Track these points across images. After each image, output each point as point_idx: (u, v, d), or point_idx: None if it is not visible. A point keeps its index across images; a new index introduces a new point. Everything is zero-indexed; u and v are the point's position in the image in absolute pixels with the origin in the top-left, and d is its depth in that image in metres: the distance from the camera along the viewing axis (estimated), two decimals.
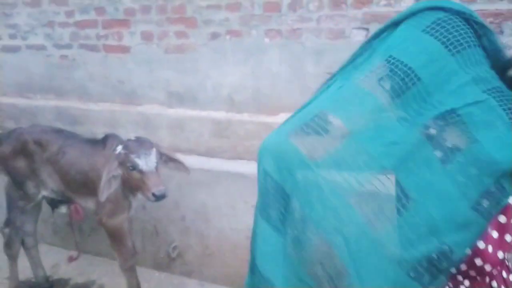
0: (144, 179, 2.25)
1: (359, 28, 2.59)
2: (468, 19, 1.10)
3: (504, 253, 1.11)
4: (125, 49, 3.33)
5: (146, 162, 2.24)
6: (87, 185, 2.55)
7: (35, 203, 2.78)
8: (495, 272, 1.14)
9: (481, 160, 1.00)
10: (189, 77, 3.17)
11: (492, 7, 2.32)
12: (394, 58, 1.08)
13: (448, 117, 1.03)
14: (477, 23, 1.11)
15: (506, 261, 1.21)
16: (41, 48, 3.69)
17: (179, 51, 3.14)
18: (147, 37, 3.23)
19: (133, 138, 2.39)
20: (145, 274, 3.19)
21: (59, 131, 2.79)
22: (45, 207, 3.02)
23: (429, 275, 1.00)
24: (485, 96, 1.04)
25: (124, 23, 3.28)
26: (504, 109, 1.03)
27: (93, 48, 3.45)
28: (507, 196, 1.02)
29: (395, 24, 1.20)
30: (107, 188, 2.24)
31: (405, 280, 1.00)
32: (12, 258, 2.86)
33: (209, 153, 3.15)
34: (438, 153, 1.04)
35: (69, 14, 3.48)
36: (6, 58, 3.91)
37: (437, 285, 1.02)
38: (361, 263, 1.02)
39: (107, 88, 3.49)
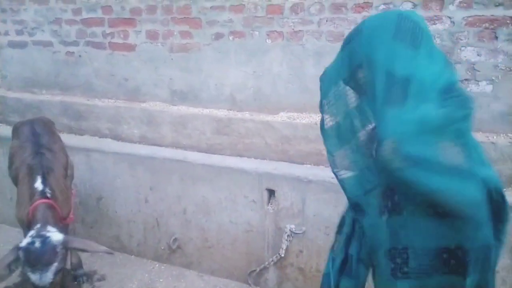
0: None
1: None
2: None
3: None
4: (130, 47, 3.43)
5: (41, 277, 2.03)
6: None
7: None
8: None
9: None
10: (192, 76, 3.27)
11: (487, 13, 2.43)
12: None
13: None
14: None
15: None
16: (48, 44, 3.78)
17: (183, 50, 3.24)
18: (152, 36, 3.33)
19: (38, 243, 2.05)
20: (146, 265, 3.30)
21: (34, 131, 2.74)
22: None
23: None
24: None
25: (130, 22, 3.37)
26: None
27: (99, 46, 3.55)
28: None
29: None
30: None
31: None
32: None
33: (210, 150, 3.24)
34: None
35: (76, 12, 3.57)
36: (12, 53, 3.99)
37: None
38: None
39: (112, 84, 3.58)
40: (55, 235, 2.13)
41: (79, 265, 3.17)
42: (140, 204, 3.30)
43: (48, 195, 2.35)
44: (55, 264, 2.05)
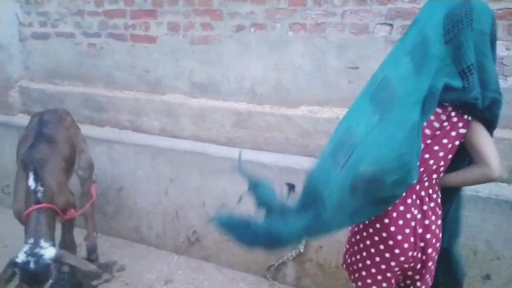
0: None
1: (383, 23, 2.63)
2: None
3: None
4: (151, 39, 3.43)
5: None
6: None
7: None
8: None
9: None
10: (212, 68, 3.26)
11: None
12: None
13: None
14: None
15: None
16: (70, 36, 3.81)
17: (204, 42, 3.23)
18: (173, 28, 3.32)
19: (32, 264, 2.12)
20: (165, 257, 3.33)
21: (41, 121, 2.75)
22: None
23: None
24: None
25: (151, 13, 3.37)
26: None
27: (120, 38, 3.56)
28: None
29: None
30: None
31: None
32: None
33: (229, 143, 3.23)
34: None
35: (99, 3, 3.59)
36: (36, 45, 4.05)
37: None
38: None
39: (133, 76, 3.60)
40: (48, 252, 2.18)
41: (93, 250, 3.22)
42: (160, 196, 3.32)
43: (40, 194, 2.33)
44: (50, 281, 2.15)
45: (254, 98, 3.17)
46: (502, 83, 2.43)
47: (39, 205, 2.30)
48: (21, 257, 2.12)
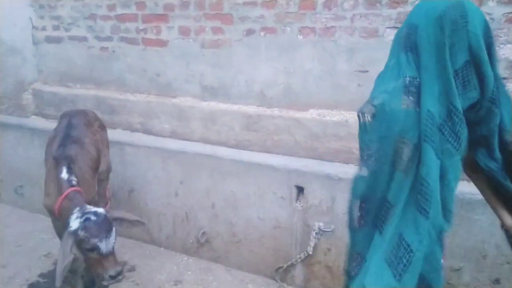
0: (102, 261, 2.22)
1: (392, 27, 2.64)
2: None
3: None
4: (163, 43, 3.47)
5: (107, 244, 2.20)
6: None
7: None
8: None
9: None
10: (223, 72, 3.29)
11: None
12: None
13: None
14: None
15: None
16: (83, 39, 3.87)
17: (214, 46, 3.26)
18: (184, 32, 3.36)
19: (93, 217, 2.22)
20: (174, 258, 3.36)
21: (69, 123, 2.83)
22: None
23: None
24: None
25: (163, 17, 3.42)
26: None
27: (132, 41, 3.61)
28: None
29: None
30: (62, 274, 2.09)
31: None
32: None
33: (239, 146, 3.25)
34: None
35: (111, 7, 3.64)
36: (49, 48, 4.12)
37: None
38: None
39: (144, 80, 3.64)
40: (99, 209, 2.31)
41: None
42: (170, 197, 3.36)
43: (74, 182, 2.45)
44: (114, 228, 2.27)
45: (264, 101, 3.19)
46: None
47: (75, 188, 2.42)
48: (75, 222, 2.19)
